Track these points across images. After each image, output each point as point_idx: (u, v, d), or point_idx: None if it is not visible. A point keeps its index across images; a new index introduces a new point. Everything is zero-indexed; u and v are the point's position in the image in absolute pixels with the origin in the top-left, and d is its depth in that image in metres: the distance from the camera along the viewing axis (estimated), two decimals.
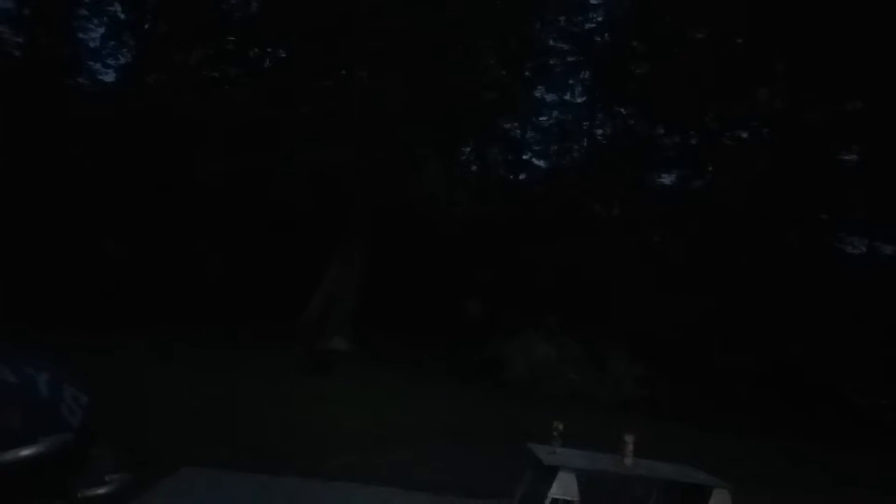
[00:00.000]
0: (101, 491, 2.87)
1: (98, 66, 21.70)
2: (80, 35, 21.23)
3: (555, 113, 25.04)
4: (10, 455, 2.21)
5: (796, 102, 18.53)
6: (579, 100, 24.74)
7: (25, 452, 2.28)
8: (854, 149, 19.30)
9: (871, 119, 17.84)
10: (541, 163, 25.71)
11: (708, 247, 18.33)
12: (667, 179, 22.78)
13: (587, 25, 23.62)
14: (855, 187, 18.35)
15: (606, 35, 23.43)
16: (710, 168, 21.27)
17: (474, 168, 24.86)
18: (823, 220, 18.98)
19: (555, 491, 5.40)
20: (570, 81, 24.40)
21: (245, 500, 5.92)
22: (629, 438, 5.89)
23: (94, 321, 13.41)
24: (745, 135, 20.84)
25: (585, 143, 24.96)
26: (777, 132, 19.45)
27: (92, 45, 21.46)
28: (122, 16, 21.37)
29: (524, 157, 25.65)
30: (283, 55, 20.54)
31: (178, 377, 10.77)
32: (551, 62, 23.95)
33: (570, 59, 23.88)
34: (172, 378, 10.63)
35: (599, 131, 25.00)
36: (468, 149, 24.21)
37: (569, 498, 5.42)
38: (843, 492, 9.75)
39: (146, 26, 21.55)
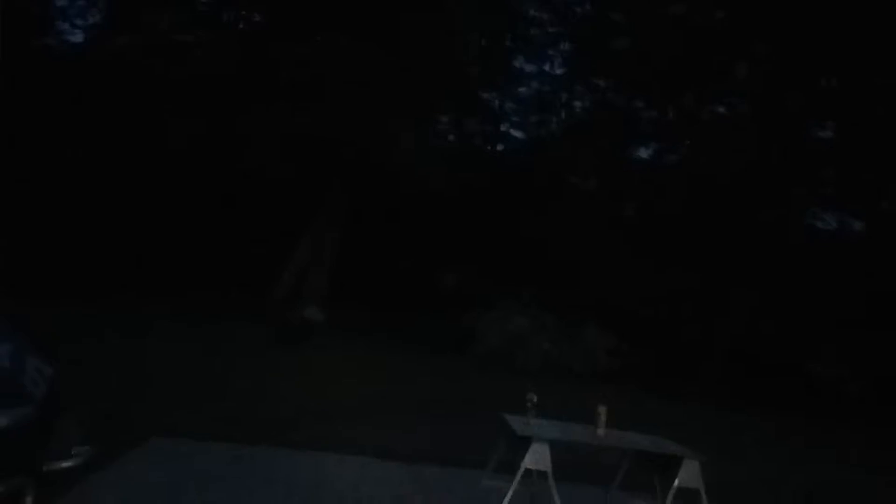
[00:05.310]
0: (66, 464, 2.79)
1: (66, 26, 21.16)
2: None
3: (532, 84, 24.90)
4: None
5: (774, 78, 18.57)
6: (557, 71, 24.63)
7: None
8: (829, 126, 19.47)
9: (847, 97, 17.97)
10: (517, 134, 25.62)
11: (681, 221, 18.49)
12: (643, 153, 22.85)
13: None
14: (827, 165, 18.55)
15: (587, 6, 23.23)
16: (687, 143, 21.33)
17: (450, 138, 24.66)
18: (795, 197, 19.18)
19: (528, 461, 5.43)
20: (549, 52, 24.26)
21: (215, 469, 5.86)
22: (602, 409, 5.94)
23: (58, 291, 13.13)
24: (722, 110, 20.88)
25: (562, 116, 24.86)
26: (754, 108, 19.50)
27: (59, 3, 20.89)
28: None
29: (501, 128, 25.51)
30: (258, 19, 20.07)
31: (148, 349, 10.65)
32: (530, 32, 23.74)
33: (549, 30, 23.67)
34: (143, 349, 10.50)
35: (577, 103, 24.88)
36: (444, 119, 23.99)
37: (542, 468, 5.46)
38: (809, 462, 10.00)
39: None
